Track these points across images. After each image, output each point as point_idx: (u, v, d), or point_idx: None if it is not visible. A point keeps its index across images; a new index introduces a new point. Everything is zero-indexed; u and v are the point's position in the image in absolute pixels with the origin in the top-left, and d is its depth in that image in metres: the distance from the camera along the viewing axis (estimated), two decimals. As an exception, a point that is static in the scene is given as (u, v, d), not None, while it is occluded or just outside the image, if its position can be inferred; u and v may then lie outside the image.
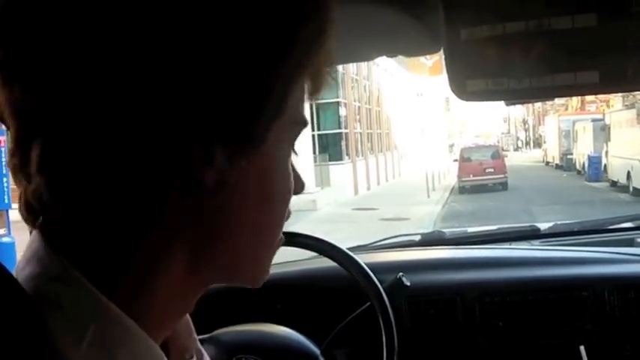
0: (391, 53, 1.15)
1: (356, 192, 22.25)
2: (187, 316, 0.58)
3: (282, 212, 0.53)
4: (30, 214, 0.50)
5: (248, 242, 0.52)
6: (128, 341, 0.46)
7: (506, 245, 2.01)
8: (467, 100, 0.87)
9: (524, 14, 0.80)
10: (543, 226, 2.18)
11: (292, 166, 0.54)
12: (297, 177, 0.55)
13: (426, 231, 2.60)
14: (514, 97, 0.88)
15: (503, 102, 0.94)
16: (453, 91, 0.86)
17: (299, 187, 0.55)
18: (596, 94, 0.93)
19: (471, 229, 2.34)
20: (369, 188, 24.25)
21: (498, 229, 2.22)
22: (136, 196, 0.46)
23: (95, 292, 0.46)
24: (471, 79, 0.85)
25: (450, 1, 0.82)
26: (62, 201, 0.47)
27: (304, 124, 0.53)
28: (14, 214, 7.34)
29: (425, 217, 15.04)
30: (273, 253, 0.55)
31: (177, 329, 0.57)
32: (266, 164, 0.50)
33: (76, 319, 0.45)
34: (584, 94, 1.08)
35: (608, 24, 0.77)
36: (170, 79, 0.44)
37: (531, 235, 2.11)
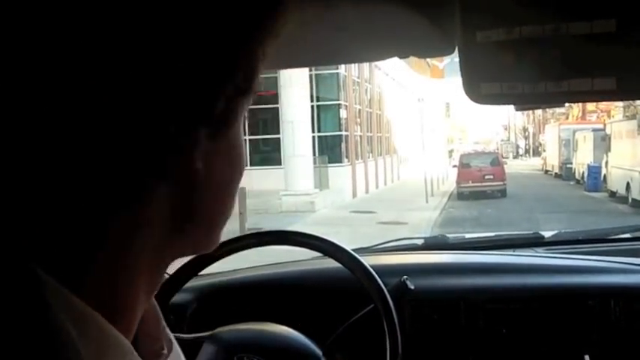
0: (404, 54, 1.14)
1: (354, 195, 22.26)
2: (154, 301, 0.58)
3: (238, 185, 0.55)
4: None
5: (219, 217, 0.53)
6: (91, 335, 0.45)
7: (510, 252, 2.01)
8: (481, 104, 0.87)
9: (542, 18, 0.79)
10: (547, 233, 2.17)
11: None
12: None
13: (424, 235, 2.59)
14: (528, 101, 0.87)
15: (505, 108, 0.93)
16: (467, 94, 0.85)
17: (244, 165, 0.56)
18: (612, 100, 0.92)
19: (473, 235, 2.34)
20: (367, 192, 24.26)
21: (502, 235, 2.22)
22: (111, 183, 0.44)
23: (55, 285, 0.45)
24: (486, 82, 0.84)
25: (467, 3, 0.82)
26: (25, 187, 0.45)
27: (256, 94, 0.52)
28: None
29: (422, 222, 15.05)
30: None
31: (145, 317, 0.55)
32: (234, 140, 0.50)
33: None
34: (601, 101, 1.07)
35: (627, 30, 0.76)
36: (153, 66, 0.43)
37: (535, 242, 2.11)
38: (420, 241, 2.14)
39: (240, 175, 0.53)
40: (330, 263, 1.49)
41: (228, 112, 0.47)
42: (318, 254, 1.56)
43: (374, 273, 1.40)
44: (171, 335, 0.60)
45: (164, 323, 0.59)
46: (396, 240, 2.15)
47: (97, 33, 0.42)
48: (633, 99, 0.88)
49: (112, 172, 0.44)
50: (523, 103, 0.90)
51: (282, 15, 0.49)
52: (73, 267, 0.46)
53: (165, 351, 0.58)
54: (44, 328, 0.43)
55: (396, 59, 1.23)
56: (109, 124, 0.43)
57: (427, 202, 19.61)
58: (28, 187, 0.44)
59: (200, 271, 1.51)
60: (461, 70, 0.85)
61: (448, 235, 2.29)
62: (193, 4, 0.44)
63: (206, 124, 0.46)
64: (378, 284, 1.40)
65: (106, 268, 0.47)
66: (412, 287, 1.53)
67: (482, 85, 0.85)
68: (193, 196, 0.48)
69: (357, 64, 23.37)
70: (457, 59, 0.86)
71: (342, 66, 21.50)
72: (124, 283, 0.48)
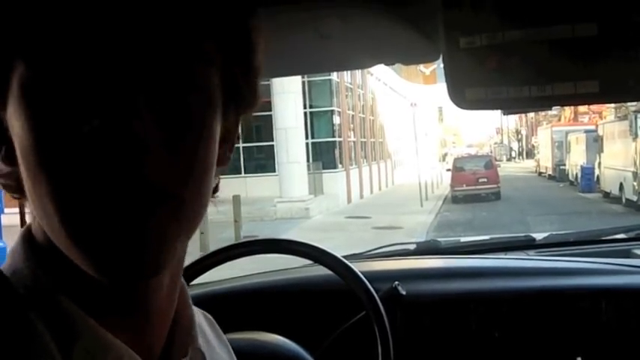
0: (390, 61, 1.15)
1: (349, 200, 22.26)
2: (191, 310, 0.61)
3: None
4: None
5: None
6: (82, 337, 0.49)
7: (501, 255, 2.01)
8: (466, 109, 0.87)
9: (524, 23, 0.79)
10: (539, 236, 2.17)
11: None
12: None
13: (421, 240, 2.60)
14: (514, 105, 0.87)
15: (498, 111, 0.94)
16: (452, 100, 0.85)
17: None
18: (596, 103, 0.93)
19: (466, 239, 2.34)
20: (362, 197, 24.26)
21: (493, 238, 2.22)
22: None
23: (73, 308, 0.49)
24: (470, 88, 0.84)
25: (449, 9, 0.82)
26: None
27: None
28: (6, 218, 7.32)
29: (418, 226, 15.06)
30: None
31: (180, 323, 0.59)
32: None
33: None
34: (585, 104, 1.08)
35: (608, 33, 0.76)
36: None
37: (527, 245, 2.11)
38: (412, 246, 2.14)
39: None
40: (321, 270, 1.49)
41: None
42: (309, 262, 1.56)
43: (364, 279, 1.40)
44: (203, 347, 0.61)
45: (195, 332, 0.61)
46: (389, 245, 2.15)
47: None
48: (617, 101, 0.88)
49: None
50: (508, 107, 0.90)
51: None
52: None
53: (188, 358, 0.59)
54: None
55: (384, 65, 1.24)
56: None
57: (422, 206, 19.62)
58: None
59: (191, 281, 1.51)
60: (445, 75, 0.85)
61: (440, 240, 2.29)
62: None
63: None
64: (369, 290, 1.40)
65: None
66: (404, 293, 1.53)
67: (466, 91, 0.85)
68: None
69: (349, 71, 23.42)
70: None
71: (335, 72, 21.53)
72: None
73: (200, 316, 0.69)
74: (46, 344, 0.47)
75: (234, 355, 0.74)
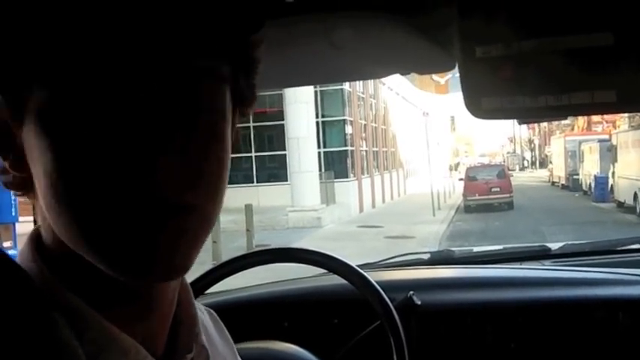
0: (405, 70, 1.15)
1: (361, 210, 22.22)
2: (194, 308, 0.62)
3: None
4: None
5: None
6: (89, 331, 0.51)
7: (516, 265, 1.99)
8: (482, 118, 0.87)
9: (540, 32, 0.79)
10: (554, 246, 2.16)
11: None
12: None
13: (434, 249, 2.58)
14: (530, 115, 0.87)
15: (511, 121, 0.93)
16: (468, 109, 0.85)
17: None
18: (613, 113, 0.92)
19: (479, 249, 2.32)
20: (374, 206, 24.22)
21: (508, 248, 2.21)
22: None
23: (81, 306, 0.51)
24: (487, 97, 0.84)
25: (465, 19, 0.82)
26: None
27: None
28: (21, 227, 7.37)
29: (430, 235, 15.01)
30: None
31: (184, 320, 0.60)
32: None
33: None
34: (602, 114, 1.07)
35: (625, 43, 0.76)
36: None
37: (542, 255, 2.09)
38: (426, 256, 2.13)
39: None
40: (335, 280, 1.49)
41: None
42: (323, 271, 1.56)
43: (379, 289, 1.40)
44: (206, 344, 0.63)
45: (198, 329, 0.62)
46: (402, 255, 2.14)
47: None
48: (634, 111, 0.88)
49: None
50: (524, 117, 0.90)
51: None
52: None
53: (192, 355, 0.60)
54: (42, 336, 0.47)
55: (399, 75, 1.24)
56: None
57: (434, 215, 19.55)
58: None
59: (205, 290, 1.51)
60: (461, 85, 0.85)
61: (454, 250, 2.28)
62: None
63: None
64: (384, 300, 1.39)
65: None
66: (419, 302, 1.52)
67: (482, 100, 0.85)
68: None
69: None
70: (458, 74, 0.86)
71: (347, 82, 21.56)
72: None
73: (205, 314, 0.71)
74: (69, 342, 0.49)
75: (237, 352, 0.75)
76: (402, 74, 1.16)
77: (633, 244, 2.26)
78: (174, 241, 0.49)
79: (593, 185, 23.27)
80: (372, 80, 26.35)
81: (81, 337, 0.50)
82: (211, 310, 0.75)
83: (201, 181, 0.51)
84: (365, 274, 1.42)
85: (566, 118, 1.09)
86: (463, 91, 0.85)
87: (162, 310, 0.57)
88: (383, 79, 27.17)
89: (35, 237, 0.56)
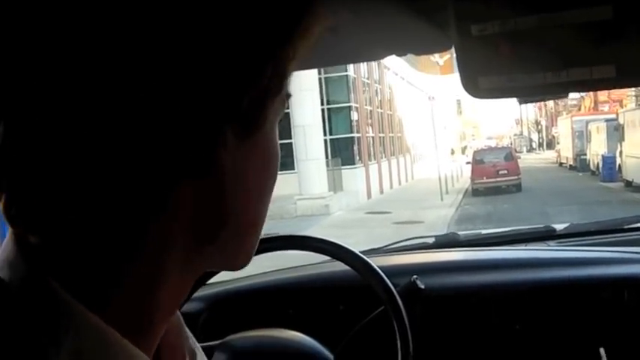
0: (401, 51, 1.13)
1: (369, 196, 22.23)
2: (177, 312, 0.57)
3: (272, 194, 0.52)
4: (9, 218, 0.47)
5: (250, 226, 0.51)
6: (106, 353, 0.44)
7: (521, 246, 1.98)
8: (480, 98, 0.85)
9: (537, 8, 0.77)
10: (559, 226, 2.15)
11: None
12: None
13: (440, 233, 2.58)
14: (529, 93, 0.86)
15: (516, 101, 0.92)
16: (465, 89, 0.84)
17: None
18: (612, 88, 0.90)
19: (486, 231, 2.31)
20: (382, 192, 24.23)
21: (513, 230, 2.20)
22: (139, 190, 0.43)
23: (70, 301, 0.44)
24: (484, 76, 0.83)
25: (460, -3, 0.81)
26: (41, 202, 0.44)
27: (289, 97, 0.52)
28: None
29: (438, 220, 15.01)
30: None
31: (167, 328, 0.55)
32: (265, 143, 0.49)
33: (49, 331, 0.43)
34: (601, 89, 1.05)
35: (624, 16, 0.74)
36: (177, 63, 0.42)
37: (547, 235, 2.08)
38: (430, 240, 2.12)
39: (273, 181, 0.51)
40: (339, 266, 1.48)
41: (256, 112, 0.46)
42: (327, 258, 1.55)
43: (382, 274, 1.39)
44: (197, 345, 0.60)
45: (187, 334, 0.59)
46: (407, 239, 2.13)
47: (113, 34, 0.41)
48: (633, 86, 0.86)
49: (139, 174, 0.43)
50: (523, 95, 0.89)
51: (312, 16, 0.48)
52: (99, 283, 0.45)
53: (187, 358, 0.57)
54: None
55: (403, 58, 1.23)
56: (134, 124, 0.42)
57: (442, 199, 19.54)
58: (56, 197, 0.43)
59: (209, 279, 1.50)
60: (458, 65, 0.84)
61: (459, 233, 2.27)
62: (220, 6, 0.43)
63: (232, 122, 0.45)
64: (387, 285, 1.38)
65: (134, 283, 0.45)
66: (422, 286, 1.51)
67: (480, 79, 0.83)
68: (221, 199, 0.46)
69: (365, 65, 23.37)
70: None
71: (351, 68, 21.51)
72: (151, 299, 0.47)
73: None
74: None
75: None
76: (399, 55, 1.14)
77: (639, 222, 2.24)
78: None
79: (600, 165, 23.20)
80: (377, 66, 26.29)
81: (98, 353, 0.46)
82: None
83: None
84: (367, 259, 1.41)
85: (566, 96, 1.08)
86: (460, 70, 0.83)
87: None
88: (387, 64, 27.10)
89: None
